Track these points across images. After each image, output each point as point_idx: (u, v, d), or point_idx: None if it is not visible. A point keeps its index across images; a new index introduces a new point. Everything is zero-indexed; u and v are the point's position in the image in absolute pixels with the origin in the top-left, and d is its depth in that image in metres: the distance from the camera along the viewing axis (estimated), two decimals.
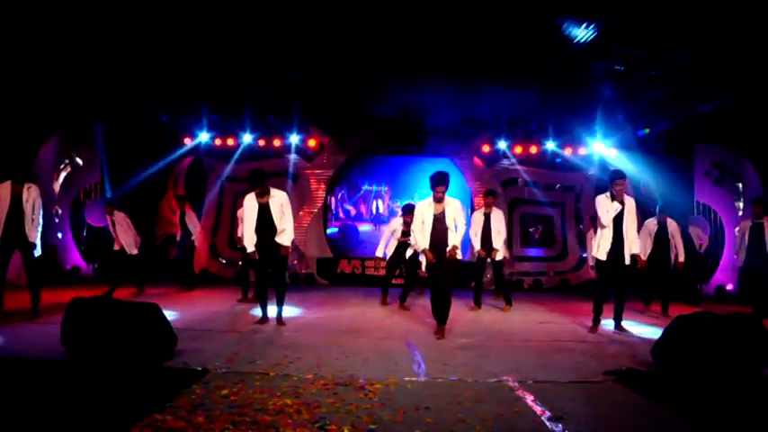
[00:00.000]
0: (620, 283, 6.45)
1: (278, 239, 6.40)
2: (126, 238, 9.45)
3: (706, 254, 11.25)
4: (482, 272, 8.63)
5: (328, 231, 14.49)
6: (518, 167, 14.31)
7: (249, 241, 6.40)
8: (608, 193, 6.45)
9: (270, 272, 6.59)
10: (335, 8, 8.56)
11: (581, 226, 13.92)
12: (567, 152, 14.07)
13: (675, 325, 4.36)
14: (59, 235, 12.03)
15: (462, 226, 6.22)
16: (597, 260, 6.47)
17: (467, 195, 14.44)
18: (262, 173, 6.57)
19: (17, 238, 6.32)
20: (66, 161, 12.28)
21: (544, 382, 4.10)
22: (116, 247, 9.49)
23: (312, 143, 14.21)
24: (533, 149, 14.07)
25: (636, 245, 6.38)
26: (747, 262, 8.30)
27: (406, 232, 8.30)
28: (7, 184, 6.37)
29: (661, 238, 8.55)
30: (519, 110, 13.39)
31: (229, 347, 5.05)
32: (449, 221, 6.12)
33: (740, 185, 11.93)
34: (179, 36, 9.41)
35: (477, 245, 8.39)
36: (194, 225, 11.14)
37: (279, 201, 6.48)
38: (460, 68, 11.13)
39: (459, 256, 6.18)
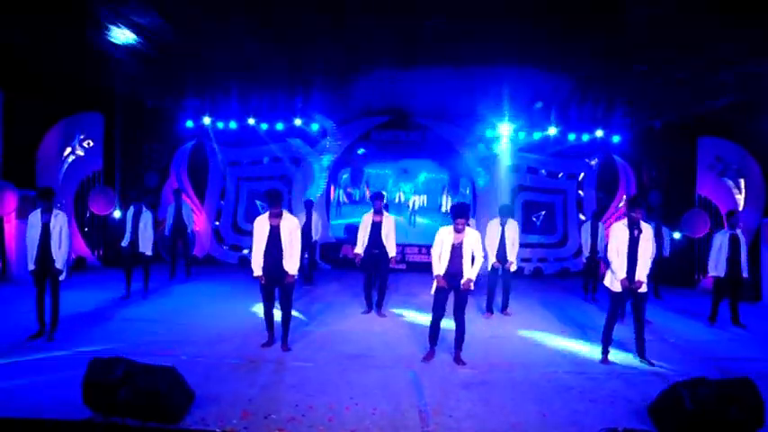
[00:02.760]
0: (637, 311, 6.50)
1: (285, 266, 6.47)
2: (146, 236, 9.22)
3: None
4: (495, 281, 8.81)
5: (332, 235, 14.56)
6: (522, 154, 14.33)
7: (256, 264, 6.49)
8: (625, 221, 6.48)
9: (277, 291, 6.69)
10: None
11: (582, 216, 14.04)
12: (571, 139, 14.06)
13: (673, 389, 4.54)
14: None
15: (480, 258, 6.36)
16: (611, 292, 6.52)
17: (469, 182, 14.50)
18: (279, 194, 6.60)
19: (47, 263, 6.61)
20: (69, 150, 12.24)
21: None
22: (125, 243, 9.26)
23: (315, 128, 14.17)
24: (537, 135, 14.05)
25: (645, 271, 6.38)
26: (726, 271, 8.42)
27: (378, 210, 8.59)
28: (37, 213, 6.65)
29: None
30: (523, 96, 13.30)
31: (243, 391, 5.24)
32: (466, 252, 6.28)
33: (742, 181, 11.95)
34: (181, 20, 9.29)
35: (492, 256, 8.63)
36: (191, 218, 11.25)
37: (289, 226, 6.49)
38: (464, 58, 11.02)
39: (472, 287, 6.38)
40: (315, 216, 11.35)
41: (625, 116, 13.10)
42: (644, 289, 6.44)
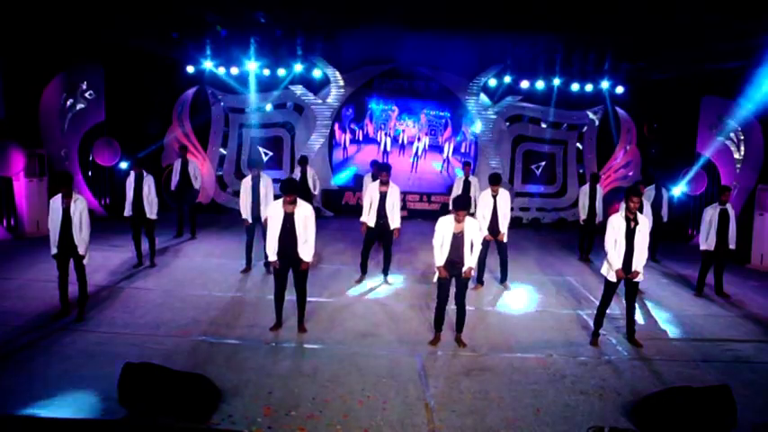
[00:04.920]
0: (630, 296, 6.87)
1: (300, 252, 6.66)
2: (150, 201, 9.20)
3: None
4: (486, 252, 9.09)
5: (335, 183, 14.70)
6: (524, 104, 14.31)
7: (271, 249, 6.65)
8: (622, 213, 6.71)
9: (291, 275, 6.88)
10: None
11: (581, 170, 14.24)
12: (574, 89, 13.99)
13: (657, 395, 5.00)
14: None
15: (478, 246, 6.67)
16: (606, 280, 6.84)
17: (472, 133, 14.54)
18: (294, 183, 6.69)
19: (69, 247, 6.82)
20: (71, 101, 12.15)
21: None
22: (128, 213, 9.20)
23: (317, 74, 14.01)
24: (540, 85, 13.96)
25: (642, 262, 6.68)
26: (715, 244, 8.79)
27: (385, 182, 8.64)
28: (58, 198, 6.77)
29: None
30: (527, 45, 13.11)
31: (263, 381, 5.66)
32: (466, 240, 6.57)
33: (742, 142, 12.05)
34: None
35: (484, 228, 8.83)
36: (196, 173, 11.35)
37: (304, 212, 6.61)
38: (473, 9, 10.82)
39: (473, 274, 6.72)
40: (310, 171, 11.46)
41: (628, 67, 13.01)
42: (640, 278, 6.78)
